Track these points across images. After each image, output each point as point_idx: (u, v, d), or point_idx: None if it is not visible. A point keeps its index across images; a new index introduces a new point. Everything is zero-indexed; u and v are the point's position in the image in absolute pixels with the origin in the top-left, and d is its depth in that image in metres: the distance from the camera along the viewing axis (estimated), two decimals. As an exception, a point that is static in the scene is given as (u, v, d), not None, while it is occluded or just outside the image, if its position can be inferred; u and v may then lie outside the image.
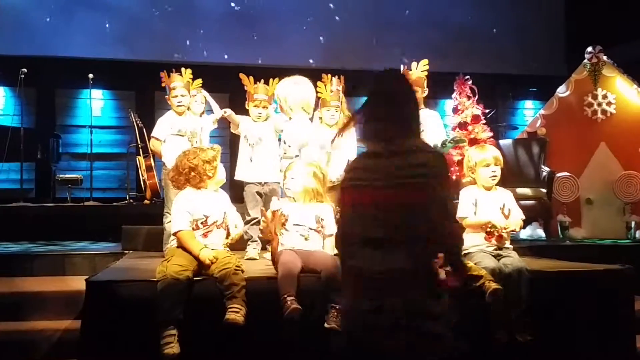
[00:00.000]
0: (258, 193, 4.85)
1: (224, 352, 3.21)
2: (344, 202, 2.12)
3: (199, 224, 3.59)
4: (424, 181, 1.95)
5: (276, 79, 4.90)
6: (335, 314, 3.25)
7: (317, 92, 5.03)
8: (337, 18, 10.35)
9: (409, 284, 1.91)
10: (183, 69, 5.08)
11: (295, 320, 3.17)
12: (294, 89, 4.71)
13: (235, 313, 3.14)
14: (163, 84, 5.14)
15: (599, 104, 7.11)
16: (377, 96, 2.12)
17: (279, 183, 4.72)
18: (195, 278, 3.34)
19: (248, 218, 4.77)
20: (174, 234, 3.61)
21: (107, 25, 9.65)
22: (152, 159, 7.48)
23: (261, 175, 4.83)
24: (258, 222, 4.80)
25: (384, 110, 2.07)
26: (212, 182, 3.75)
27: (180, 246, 3.54)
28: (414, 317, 1.89)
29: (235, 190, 4.98)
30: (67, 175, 8.47)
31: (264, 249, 4.79)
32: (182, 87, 5.02)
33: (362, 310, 1.90)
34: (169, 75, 5.11)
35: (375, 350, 1.90)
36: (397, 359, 1.91)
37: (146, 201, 7.58)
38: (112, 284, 3.33)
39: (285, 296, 3.23)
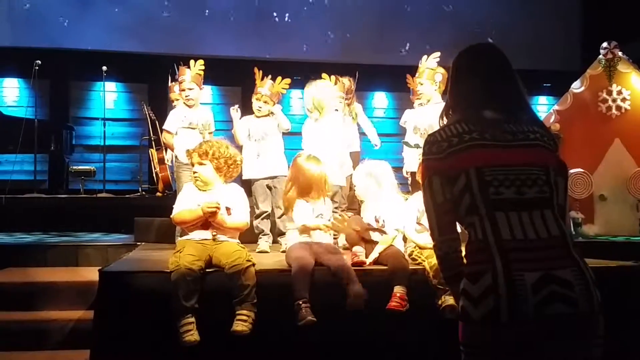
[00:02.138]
0: (268, 186, 4.85)
1: (235, 345, 3.22)
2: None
3: None
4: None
5: (279, 78, 4.91)
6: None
7: None
8: (349, 12, 10.32)
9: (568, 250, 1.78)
10: (192, 61, 5.05)
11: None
12: (310, 90, 4.83)
13: (243, 323, 3.18)
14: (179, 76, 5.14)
15: (614, 100, 7.05)
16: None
17: (286, 176, 4.74)
18: (207, 270, 3.35)
19: (258, 212, 4.77)
20: (172, 220, 3.74)
21: (121, 18, 9.67)
22: (164, 151, 7.51)
23: (269, 170, 4.82)
24: (268, 216, 4.82)
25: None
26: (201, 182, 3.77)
27: (188, 237, 3.60)
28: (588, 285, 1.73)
29: (245, 184, 4.99)
30: (80, 167, 8.54)
31: (275, 242, 4.81)
32: (190, 80, 4.99)
33: (523, 282, 1.68)
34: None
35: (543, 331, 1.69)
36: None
37: (158, 193, 7.62)
38: (125, 275, 3.36)
39: (300, 303, 3.22)
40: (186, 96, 5.02)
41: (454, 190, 1.84)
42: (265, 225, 4.79)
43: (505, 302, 1.67)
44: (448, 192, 1.85)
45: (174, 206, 3.75)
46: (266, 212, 4.81)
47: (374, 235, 3.82)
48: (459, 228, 1.91)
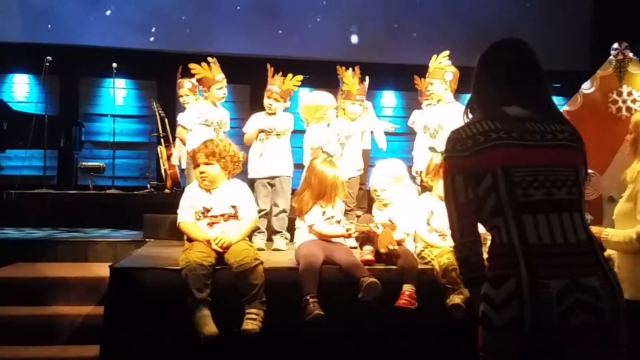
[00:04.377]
0: (269, 184, 4.83)
1: (245, 341, 3.23)
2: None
3: (200, 215, 3.66)
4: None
5: (290, 75, 4.88)
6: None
7: (343, 82, 5.06)
8: (358, 10, 10.31)
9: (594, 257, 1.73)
10: (211, 60, 4.97)
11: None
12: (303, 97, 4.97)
13: (252, 321, 3.20)
14: (199, 75, 5.07)
15: (624, 101, 6.99)
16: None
17: (289, 177, 4.73)
18: (216, 267, 3.36)
19: (257, 208, 4.76)
20: (177, 226, 3.73)
21: (131, 15, 9.69)
22: (173, 148, 7.53)
23: (271, 170, 4.80)
24: (267, 214, 4.81)
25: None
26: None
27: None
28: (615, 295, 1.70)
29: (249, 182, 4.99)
30: (89, 163, 8.54)
31: (269, 240, 4.78)
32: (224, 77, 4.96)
33: (548, 292, 1.63)
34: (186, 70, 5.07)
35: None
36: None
37: (167, 190, 7.62)
38: (135, 271, 3.38)
39: (308, 298, 3.24)
40: (223, 93, 4.98)
41: (478, 190, 1.77)
42: (260, 222, 4.76)
43: (529, 310, 1.63)
44: (472, 192, 1.77)
45: (178, 210, 3.75)
46: (264, 210, 4.78)
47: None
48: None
